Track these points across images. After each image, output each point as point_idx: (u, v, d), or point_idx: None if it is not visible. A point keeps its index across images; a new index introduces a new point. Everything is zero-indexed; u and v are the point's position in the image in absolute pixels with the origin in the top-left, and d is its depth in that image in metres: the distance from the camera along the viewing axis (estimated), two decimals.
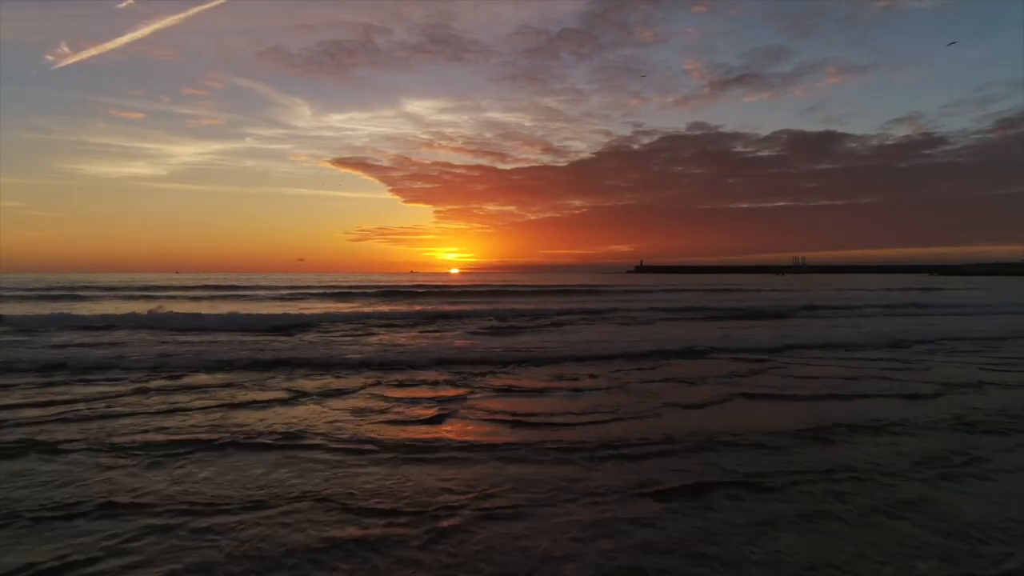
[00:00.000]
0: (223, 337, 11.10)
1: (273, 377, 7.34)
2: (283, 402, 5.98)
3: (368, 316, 15.46)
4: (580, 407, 5.83)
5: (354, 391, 6.55)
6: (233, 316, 13.80)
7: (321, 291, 31.04)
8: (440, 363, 8.26)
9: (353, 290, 31.63)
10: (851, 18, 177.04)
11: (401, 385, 6.95)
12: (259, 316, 13.88)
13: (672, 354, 9.30)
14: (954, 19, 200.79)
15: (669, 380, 7.37)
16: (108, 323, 12.64)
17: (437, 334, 12.24)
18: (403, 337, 11.54)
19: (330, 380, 7.17)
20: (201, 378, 7.18)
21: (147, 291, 31.39)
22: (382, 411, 5.66)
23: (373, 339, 11.20)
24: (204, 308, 20.19)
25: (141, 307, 20.33)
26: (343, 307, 20.74)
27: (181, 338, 10.88)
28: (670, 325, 14.68)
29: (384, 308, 20.29)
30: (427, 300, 25.75)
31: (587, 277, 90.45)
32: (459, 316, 15.92)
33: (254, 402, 5.91)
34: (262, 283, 43.81)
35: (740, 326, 14.38)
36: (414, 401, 6.08)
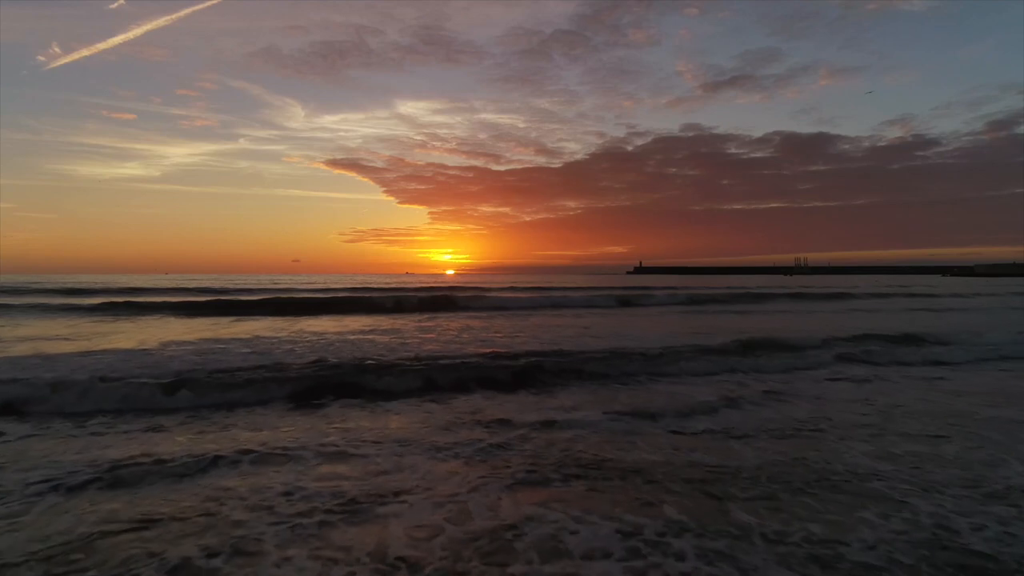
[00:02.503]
0: None
1: None
2: None
3: (331, 361, 8.64)
4: None
5: None
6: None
7: (300, 296, 24.24)
8: None
9: (339, 296, 24.77)
10: (843, 20, 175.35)
11: None
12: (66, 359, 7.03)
13: None
14: (945, 21, 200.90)
15: None
16: None
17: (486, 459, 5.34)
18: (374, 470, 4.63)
19: None
20: None
21: (80, 295, 24.48)
22: None
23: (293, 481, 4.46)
24: (104, 328, 13.48)
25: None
26: (308, 324, 14.05)
27: None
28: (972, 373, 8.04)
29: (366, 323, 13.67)
30: (435, 314, 18.93)
31: (586, 278, 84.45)
32: (512, 358, 8.93)
33: None
34: (245, 285, 36.99)
35: None
36: None
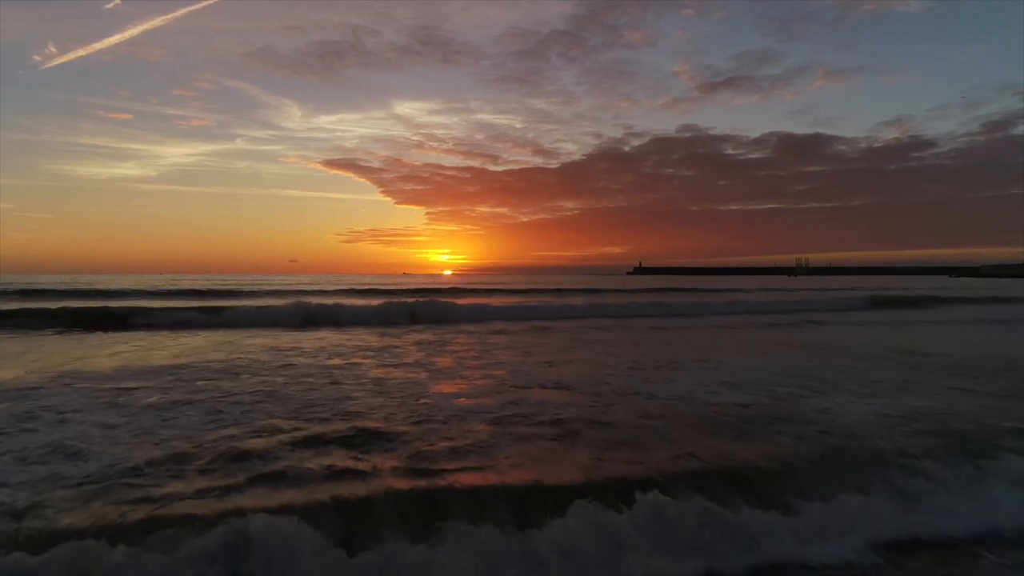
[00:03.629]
0: None
1: None
2: None
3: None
4: None
5: None
6: None
7: (279, 303, 20.28)
8: None
9: (327, 303, 20.83)
10: (839, 21, 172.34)
11: None
12: None
13: None
14: (942, 22, 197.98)
15: None
16: None
17: None
18: None
19: None
20: None
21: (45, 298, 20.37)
22: None
23: None
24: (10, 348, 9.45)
25: None
26: (272, 341, 10.10)
27: None
28: None
29: (352, 341, 9.69)
30: (441, 326, 14.98)
31: (588, 279, 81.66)
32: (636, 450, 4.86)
33: None
34: (238, 286, 33.04)
35: None
36: None
